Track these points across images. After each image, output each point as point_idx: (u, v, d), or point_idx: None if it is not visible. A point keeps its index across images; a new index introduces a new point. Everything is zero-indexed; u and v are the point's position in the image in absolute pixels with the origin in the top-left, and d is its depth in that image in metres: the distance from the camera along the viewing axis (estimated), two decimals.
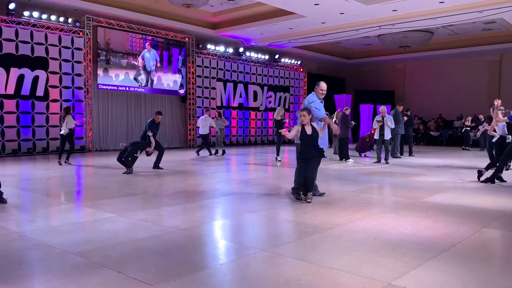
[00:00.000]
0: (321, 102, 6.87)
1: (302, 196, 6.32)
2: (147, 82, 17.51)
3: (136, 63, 17.09)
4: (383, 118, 12.11)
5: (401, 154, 14.63)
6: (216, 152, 15.16)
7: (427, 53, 22.47)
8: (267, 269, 3.57)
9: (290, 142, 21.78)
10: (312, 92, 6.94)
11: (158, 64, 17.85)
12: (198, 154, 14.64)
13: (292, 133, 6.48)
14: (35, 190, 7.55)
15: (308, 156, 6.28)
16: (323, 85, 6.91)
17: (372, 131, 13.16)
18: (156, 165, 10.51)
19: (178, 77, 18.70)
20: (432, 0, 13.48)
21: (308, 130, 6.26)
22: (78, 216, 5.68)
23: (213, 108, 19.88)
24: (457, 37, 21.01)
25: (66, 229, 4.80)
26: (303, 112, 6.25)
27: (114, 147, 16.26)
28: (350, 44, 22.97)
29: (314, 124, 6.37)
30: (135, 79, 17.07)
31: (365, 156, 14.31)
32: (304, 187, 6.30)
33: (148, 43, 17.39)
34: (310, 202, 6.19)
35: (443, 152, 16.98)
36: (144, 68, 17.38)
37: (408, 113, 15.45)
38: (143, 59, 17.27)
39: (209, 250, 4.20)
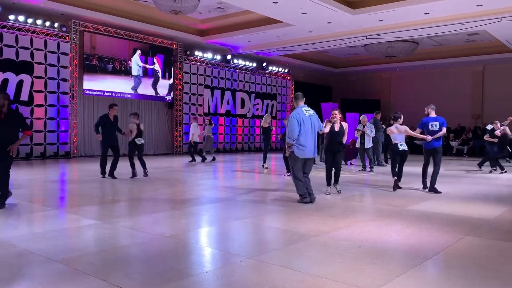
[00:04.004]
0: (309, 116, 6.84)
1: (335, 186, 7.70)
2: (135, 88, 17.48)
3: (123, 69, 17.02)
4: (363, 127, 12.29)
5: (386, 162, 14.76)
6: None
7: (412, 63, 22.81)
8: (252, 277, 3.57)
9: (276, 150, 21.83)
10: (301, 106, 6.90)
11: (146, 68, 17.80)
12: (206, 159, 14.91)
13: (326, 129, 7.62)
14: (18, 196, 7.41)
15: (335, 149, 7.60)
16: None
17: (356, 136, 13.32)
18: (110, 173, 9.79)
19: (165, 83, 18.64)
20: (417, 11, 13.71)
21: (337, 127, 7.60)
22: (61, 222, 5.60)
23: (200, 115, 19.87)
24: (442, 48, 21.37)
25: (49, 236, 4.73)
26: (335, 111, 7.59)
27: (99, 153, 16.02)
28: (337, 53, 23.20)
29: (343, 123, 7.66)
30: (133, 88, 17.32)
31: (350, 164, 14.41)
32: (335, 177, 7.71)
33: (137, 50, 17.39)
34: (340, 193, 7.61)
35: None
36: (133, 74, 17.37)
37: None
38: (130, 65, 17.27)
39: (194, 258, 4.18)
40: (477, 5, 13.09)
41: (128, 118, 17.28)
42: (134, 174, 9.77)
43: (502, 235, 5.08)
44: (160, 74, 18.25)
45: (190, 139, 14.96)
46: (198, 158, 15.06)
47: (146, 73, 17.83)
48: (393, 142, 8.48)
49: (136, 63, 17.38)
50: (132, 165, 9.80)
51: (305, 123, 6.68)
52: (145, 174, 10.01)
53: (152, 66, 17.95)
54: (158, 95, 18.35)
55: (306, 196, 6.75)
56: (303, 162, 6.81)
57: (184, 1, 11.78)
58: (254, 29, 16.80)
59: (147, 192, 8.26)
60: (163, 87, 18.56)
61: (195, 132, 14.74)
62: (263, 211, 6.31)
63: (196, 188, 8.76)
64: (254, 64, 22.42)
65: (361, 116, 12.75)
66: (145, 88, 17.84)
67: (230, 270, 3.69)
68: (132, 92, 17.37)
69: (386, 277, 3.51)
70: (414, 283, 3.44)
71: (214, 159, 15.26)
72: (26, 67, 14.39)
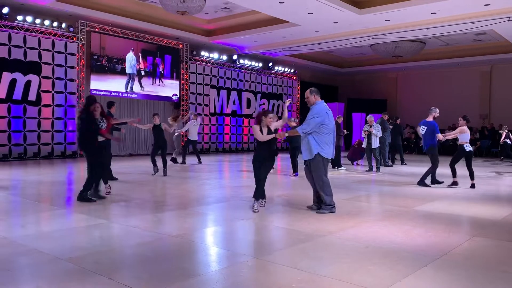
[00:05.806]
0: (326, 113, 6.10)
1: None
2: (131, 87, 17.29)
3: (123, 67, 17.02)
4: (370, 127, 12.29)
5: (393, 162, 14.73)
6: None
7: (419, 63, 22.68)
8: (259, 277, 3.57)
9: (282, 150, 21.80)
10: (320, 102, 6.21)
11: (142, 67, 17.84)
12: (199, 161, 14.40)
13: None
14: (26, 195, 7.48)
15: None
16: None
17: (362, 136, 13.29)
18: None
19: (171, 83, 18.68)
20: (424, 10, 13.64)
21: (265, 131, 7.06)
22: (69, 222, 5.64)
23: (206, 115, 19.91)
24: (449, 48, 21.24)
25: (57, 235, 4.76)
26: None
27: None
28: (343, 53, 23.12)
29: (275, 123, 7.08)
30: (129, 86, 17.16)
31: (357, 164, 14.37)
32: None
33: (132, 47, 17.25)
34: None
35: None
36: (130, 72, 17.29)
37: (398, 122, 15.57)
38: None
39: (201, 257, 4.19)
40: (485, 5, 12.99)
41: (130, 117, 17.45)
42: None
43: (510, 236, 5.04)
44: (142, 72, 17.77)
45: (183, 136, 14.19)
46: (190, 159, 14.66)
47: (143, 72, 17.77)
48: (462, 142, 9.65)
49: (130, 61, 17.24)
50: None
51: (330, 120, 6.07)
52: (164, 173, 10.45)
53: (137, 64, 17.57)
54: (154, 93, 18.14)
55: (334, 206, 6.25)
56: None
57: (190, 1, 11.80)
58: (260, 29, 16.79)
59: (154, 191, 8.29)
60: (169, 87, 18.59)
61: (190, 130, 14.35)
62: (269, 211, 6.31)
63: (202, 187, 8.78)
64: (260, 64, 22.41)
65: (368, 116, 12.73)
66: (147, 87, 17.77)
67: (237, 270, 3.69)
68: (125, 90, 17.12)
69: (393, 278, 3.50)
70: (422, 284, 3.42)
71: (173, 160, 14.10)
72: (34, 68, 14.47)
